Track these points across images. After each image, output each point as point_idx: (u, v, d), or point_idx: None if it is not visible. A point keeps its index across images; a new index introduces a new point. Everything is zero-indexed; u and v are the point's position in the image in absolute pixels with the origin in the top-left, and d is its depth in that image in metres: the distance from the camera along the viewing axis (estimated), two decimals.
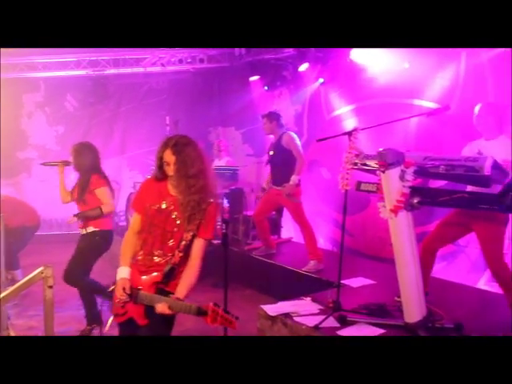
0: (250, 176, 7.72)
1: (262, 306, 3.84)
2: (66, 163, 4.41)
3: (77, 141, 4.45)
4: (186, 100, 8.77)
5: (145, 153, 8.79)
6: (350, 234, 6.05)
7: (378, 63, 5.75)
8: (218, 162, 7.06)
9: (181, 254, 2.54)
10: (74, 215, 4.16)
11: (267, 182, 5.67)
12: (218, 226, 3.08)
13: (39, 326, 4.05)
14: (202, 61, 7.93)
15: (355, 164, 3.36)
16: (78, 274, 4.14)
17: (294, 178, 5.15)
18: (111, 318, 2.66)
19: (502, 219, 3.43)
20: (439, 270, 4.67)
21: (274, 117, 5.46)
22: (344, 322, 3.45)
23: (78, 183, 4.25)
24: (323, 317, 3.46)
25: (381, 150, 3.06)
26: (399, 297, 3.37)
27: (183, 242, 2.54)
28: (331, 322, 3.45)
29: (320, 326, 3.37)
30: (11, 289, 2.64)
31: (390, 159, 3.00)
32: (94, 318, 4.21)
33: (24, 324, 4.42)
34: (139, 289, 2.52)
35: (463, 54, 4.87)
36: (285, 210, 6.11)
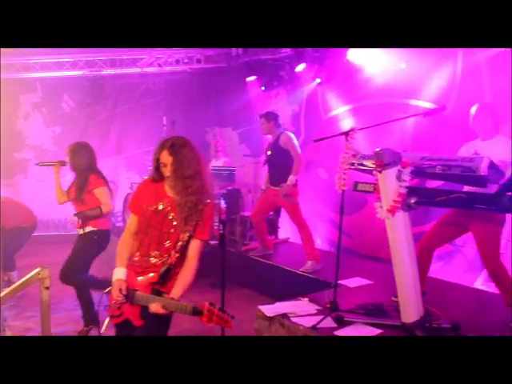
0: (247, 176, 7.72)
1: (260, 307, 3.84)
2: (62, 163, 4.41)
3: (73, 141, 4.44)
4: (183, 100, 8.77)
5: (142, 153, 8.79)
6: (347, 235, 6.06)
7: (375, 63, 5.75)
8: (215, 163, 7.06)
9: (177, 255, 2.54)
10: (75, 215, 4.15)
11: (266, 183, 5.67)
12: (215, 227, 3.08)
13: (36, 327, 4.04)
14: (198, 61, 7.93)
15: (352, 164, 3.36)
16: (74, 272, 4.13)
17: (291, 178, 5.15)
18: (107, 320, 2.66)
19: (498, 219, 3.43)
20: (436, 270, 4.67)
21: (271, 117, 5.46)
22: (341, 323, 3.45)
23: (76, 183, 4.24)
24: (321, 317, 3.46)
25: (378, 150, 3.06)
26: (396, 297, 3.37)
27: (179, 243, 2.54)
28: (329, 322, 3.45)
29: (317, 326, 3.37)
30: (7, 290, 2.64)
31: (386, 159, 3.01)
32: (91, 318, 4.20)
33: (21, 325, 4.41)
34: (135, 290, 2.52)
35: (460, 54, 4.88)
36: (282, 210, 6.11)
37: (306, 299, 4.02)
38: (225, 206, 6.29)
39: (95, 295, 4.17)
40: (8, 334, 3.82)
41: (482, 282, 4.61)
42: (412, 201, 3.05)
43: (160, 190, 2.62)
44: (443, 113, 3.99)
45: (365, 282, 4.64)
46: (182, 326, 4.00)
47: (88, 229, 4.20)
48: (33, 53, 7.47)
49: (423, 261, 3.65)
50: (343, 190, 3.37)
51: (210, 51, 7.75)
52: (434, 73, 5.11)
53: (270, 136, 5.61)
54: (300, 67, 6.66)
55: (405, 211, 3.08)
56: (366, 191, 3.42)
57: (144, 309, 2.47)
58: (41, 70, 8.01)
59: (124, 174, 8.94)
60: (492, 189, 2.82)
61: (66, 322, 4.51)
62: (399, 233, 3.11)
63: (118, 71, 8.18)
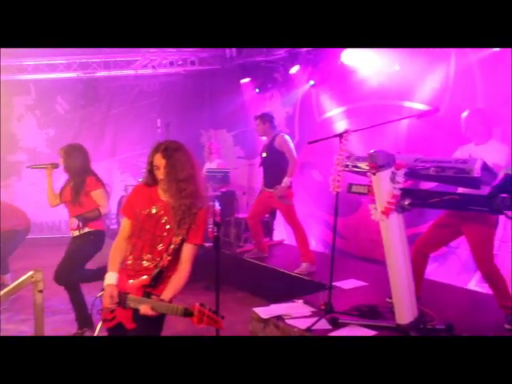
0: (241, 178, 7.72)
1: (255, 309, 3.84)
2: (54, 166, 4.39)
3: (66, 143, 4.43)
4: (178, 102, 8.76)
5: (136, 155, 8.77)
6: (342, 236, 6.07)
7: (369, 65, 5.77)
8: (209, 165, 7.05)
9: (169, 258, 2.54)
10: (75, 217, 4.14)
11: (263, 185, 5.67)
12: (210, 229, 3.08)
13: (30, 330, 4.02)
14: (193, 63, 7.91)
15: (346, 166, 3.37)
16: (69, 272, 4.12)
17: (285, 180, 5.16)
18: (100, 324, 2.65)
19: (491, 221, 3.45)
20: (430, 272, 4.68)
21: (267, 118, 5.47)
22: (336, 324, 3.45)
23: (72, 185, 4.22)
24: (315, 319, 3.47)
25: (372, 151, 3.07)
26: (391, 298, 3.38)
27: (172, 246, 2.54)
28: (323, 324, 3.45)
29: (312, 328, 3.37)
30: (1, 293, 2.62)
31: (380, 161, 3.02)
32: (84, 321, 4.19)
33: (15, 329, 4.38)
34: (127, 293, 2.51)
35: (452, 55, 4.91)
36: (277, 212, 6.11)
37: (300, 301, 4.02)
38: (219, 208, 6.27)
39: (89, 298, 4.16)
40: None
41: (475, 283, 4.63)
42: (406, 202, 3.06)
43: (154, 194, 2.62)
44: (437, 114, 4.00)
45: (359, 283, 4.65)
46: (176, 328, 3.99)
47: (85, 230, 4.19)
48: (26, 54, 7.44)
49: (418, 264, 3.66)
50: (337, 192, 3.38)
51: (204, 53, 7.74)
52: (428, 74, 5.13)
53: (265, 138, 5.61)
54: (294, 69, 6.66)
55: (399, 213, 3.09)
56: (360, 193, 3.44)
57: (136, 312, 2.46)
58: (34, 71, 7.96)
59: (118, 177, 8.91)
60: (486, 190, 2.83)
61: (60, 324, 4.48)
62: (393, 234, 3.12)
63: (112, 73, 8.16)
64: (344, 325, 3.46)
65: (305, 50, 6.33)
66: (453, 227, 3.62)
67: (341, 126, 6.12)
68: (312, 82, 6.59)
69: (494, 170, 2.93)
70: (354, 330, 3.37)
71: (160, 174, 2.54)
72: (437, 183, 3.85)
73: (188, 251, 2.58)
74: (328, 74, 6.37)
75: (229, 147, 8.47)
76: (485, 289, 4.11)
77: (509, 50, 4.14)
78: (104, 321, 2.62)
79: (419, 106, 5.21)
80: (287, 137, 5.36)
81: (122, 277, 2.58)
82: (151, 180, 2.61)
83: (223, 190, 6.77)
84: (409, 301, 3.18)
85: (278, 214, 6.15)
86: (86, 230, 4.19)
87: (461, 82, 4.85)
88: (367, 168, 3.15)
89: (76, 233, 4.18)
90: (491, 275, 3.48)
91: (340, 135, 3.43)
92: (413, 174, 3.07)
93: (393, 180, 3.02)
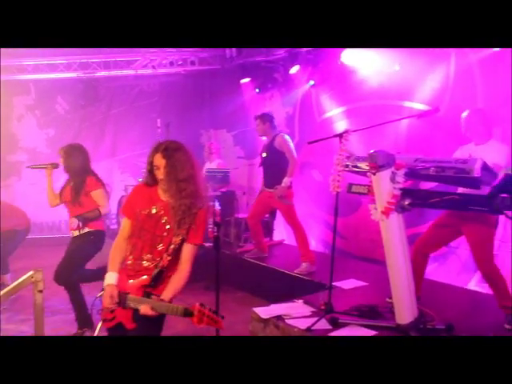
0: (241, 178, 7.72)
1: (255, 309, 3.84)
2: (54, 166, 4.38)
3: (66, 143, 4.43)
4: (178, 102, 8.76)
5: (136, 155, 8.77)
6: (342, 236, 6.07)
7: (369, 65, 5.77)
8: (209, 165, 7.05)
9: (169, 258, 2.54)
10: (75, 217, 4.13)
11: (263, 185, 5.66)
12: (210, 229, 3.08)
13: (30, 330, 4.02)
14: (193, 63, 7.91)
15: (346, 166, 3.37)
16: (70, 272, 4.11)
17: (285, 180, 5.16)
18: (100, 324, 2.65)
19: (491, 221, 3.45)
20: (430, 272, 4.68)
21: (267, 118, 5.46)
22: (336, 324, 3.45)
23: (72, 185, 4.21)
24: (315, 319, 3.47)
25: (371, 151, 3.07)
26: (391, 298, 3.38)
27: (172, 246, 2.54)
28: (323, 324, 3.45)
29: (312, 328, 3.37)
30: (1, 293, 2.62)
31: (380, 161, 3.02)
32: (84, 321, 4.19)
33: (15, 329, 4.38)
34: (127, 293, 2.51)
35: (452, 55, 4.91)
36: (277, 212, 6.11)
37: (300, 301, 4.02)
38: (219, 208, 6.27)
39: (89, 298, 4.16)
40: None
41: (475, 283, 4.63)
42: (406, 202, 3.06)
43: (154, 194, 2.62)
44: (437, 114, 4.00)
45: (359, 283, 4.65)
46: (177, 328, 3.99)
47: (85, 230, 4.19)
48: (26, 54, 7.44)
49: (418, 265, 3.65)
50: (337, 192, 3.38)
51: (204, 53, 7.73)
52: (428, 75, 5.13)
53: (265, 138, 5.61)
54: (294, 69, 6.66)
55: (399, 213, 3.09)
56: (360, 193, 3.44)
57: (136, 312, 2.46)
58: (34, 71, 7.96)
59: (118, 177, 8.91)
60: (485, 190, 2.83)
61: (60, 324, 4.48)
62: (393, 234, 3.12)
63: (112, 73, 8.16)
64: (344, 325, 3.46)
65: (305, 50, 6.33)
66: (453, 227, 3.62)
67: (341, 126, 6.12)
68: (312, 82, 6.59)
69: (494, 170, 2.93)
70: (354, 330, 3.37)
71: (160, 174, 2.54)
72: (437, 183, 3.85)
73: (188, 251, 2.58)
74: (328, 74, 6.37)
75: (229, 147, 8.47)
76: (485, 289, 4.10)
77: (508, 50, 4.14)
78: (104, 321, 2.63)
79: (419, 106, 5.21)
80: (287, 137, 5.36)
81: (122, 277, 2.58)
82: (151, 180, 2.62)
83: (223, 190, 6.76)
84: (409, 301, 3.18)
85: (278, 214, 6.15)
86: (86, 229, 4.19)
87: (461, 82, 4.85)
88: (367, 168, 3.15)
89: (76, 233, 4.18)
90: (491, 275, 3.48)
91: (340, 135, 3.43)
92: (413, 174, 3.07)
93: (393, 180, 3.02)
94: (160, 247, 2.57)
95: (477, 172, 2.72)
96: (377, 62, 5.62)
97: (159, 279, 2.55)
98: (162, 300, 2.45)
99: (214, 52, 7.66)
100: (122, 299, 2.50)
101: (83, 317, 4.18)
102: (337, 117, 6.38)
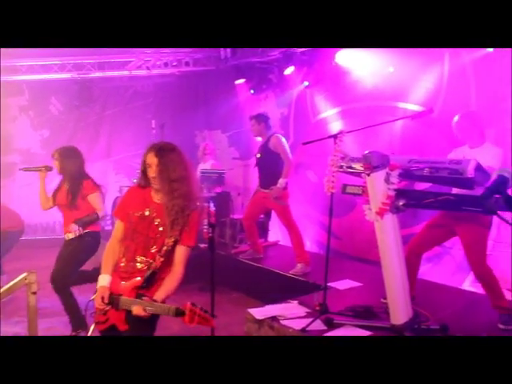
0: (236, 179, 7.72)
1: (249, 310, 3.84)
2: (48, 168, 4.35)
3: (62, 145, 4.40)
4: (172, 103, 8.75)
5: (131, 156, 8.76)
6: (337, 237, 6.07)
7: (363, 66, 5.78)
8: (203, 165, 7.04)
9: (162, 259, 2.54)
10: (74, 223, 4.11)
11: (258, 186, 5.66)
12: (205, 230, 3.08)
13: (24, 332, 4.00)
14: (187, 64, 7.90)
15: (341, 167, 3.38)
16: (67, 275, 4.08)
17: (281, 181, 5.16)
18: (93, 326, 2.65)
19: (485, 222, 3.46)
20: (425, 272, 4.70)
21: (262, 118, 5.46)
22: (331, 325, 3.45)
23: (68, 188, 4.17)
24: (310, 320, 3.47)
25: (366, 152, 3.08)
26: (385, 299, 3.39)
27: (164, 247, 2.54)
28: (318, 324, 3.45)
29: (307, 328, 3.37)
30: None
31: (375, 162, 3.03)
32: (78, 323, 4.15)
33: (8, 330, 4.35)
34: (120, 295, 2.51)
35: (446, 56, 4.92)
36: (273, 212, 6.11)
37: (295, 302, 4.02)
38: (214, 209, 6.27)
39: (81, 299, 4.14)
40: None
41: (470, 284, 4.65)
42: (400, 203, 3.07)
43: (147, 196, 2.63)
44: (431, 115, 4.02)
45: (354, 284, 4.66)
46: (172, 329, 3.99)
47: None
48: (19, 55, 7.39)
49: (412, 264, 3.66)
50: (332, 193, 3.38)
51: (199, 54, 7.72)
52: (422, 76, 5.15)
53: (260, 138, 5.61)
54: (289, 70, 6.67)
55: (393, 213, 3.10)
56: (354, 194, 3.44)
57: (129, 313, 2.46)
58: (28, 72, 7.93)
59: (113, 178, 8.88)
60: (479, 191, 2.84)
61: (54, 326, 4.47)
62: (388, 235, 3.13)
63: (107, 74, 8.13)
64: (339, 325, 3.46)
65: (299, 50, 6.34)
66: (446, 227, 3.64)
67: (335, 126, 6.12)
68: (306, 83, 6.59)
69: (487, 171, 2.95)
70: (349, 331, 3.38)
71: (152, 172, 2.53)
72: (431, 184, 3.86)
73: (181, 253, 2.57)
74: (322, 75, 6.38)
75: (224, 148, 8.47)
76: (479, 289, 4.11)
77: (502, 50, 4.16)
78: (97, 323, 2.62)
79: (413, 107, 5.22)
80: (282, 137, 5.36)
81: (115, 279, 2.58)
82: (145, 180, 2.62)
83: (218, 190, 6.76)
84: (403, 301, 3.19)
85: (273, 215, 6.16)
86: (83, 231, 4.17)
87: (454, 83, 4.87)
88: (362, 169, 3.15)
89: (71, 235, 4.15)
90: (484, 276, 3.49)
91: (334, 136, 3.44)
92: (407, 174, 3.08)
93: (387, 181, 3.03)
94: (153, 249, 2.57)
95: (470, 173, 2.74)
96: (371, 63, 5.64)
97: (152, 280, 2.55)
98: (155, 301, 2.45)
99: (209, 53, 7.65)
100: (114, 301, 2.50)
101: (77, 319, 4.16)
102: (331, 118, 6.39)
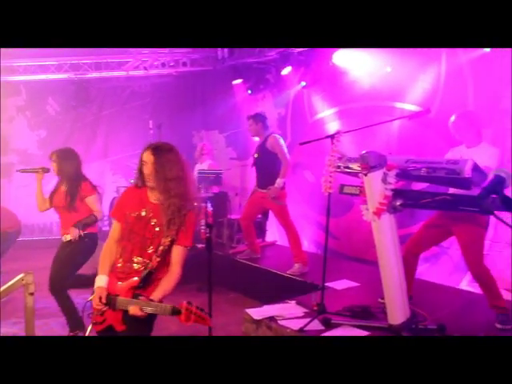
0: (234, 179, 7.72)
1: (247, 310, 3.84)
2: (46, 170, 4.33)
3: (59, 145, 4.40)
4: (170, 103, 8.74)
5: (128, 157, 8.72)
6: (334, 237, 6.07)
7: (360, 66, 5.79)
8: (200, 166, 7.04)
9: (158, 259, 2.54)
10: (74, 226, 4.09)
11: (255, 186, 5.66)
12: (202, 230, 3.08)
13: (21, 333, 3.99)
14: (184, 64, 7.89)
15: (338, 167, 3.38)
16: (65, 277, 4.06)
17: (279, 181, 5.16)
18: (90, 327, 2.65)
19: (482, 222, 3.47)
20: (422, 272, 4.71)
21: (259, 118, 5.46)
22: (328, 325, 3.46)
23: (67, 190, 4.14)
24: (308, 320, 3.47)
25: (363, 152, 3.08)
26: (383, 299, 3.39)
27: (161, 247, 2.54)
28: (316, 324, 3.45)
29: (305, 329, 3.38)
30: None
31: (372, 162, 3.03)
32: (76, 323, 4.14)
33: (6, 332, 4.34)
34: (117, 295, 2.51)
35: (443, 56, 4.93)
36: (270, 212, 6.11)
37: (293, 302, 4.02)
38: (211, 209, 6.26)
39: (77, 300, 4.13)
40: None
41: (467, 283, 4.65)
42: (398, 203, 3.08)
43: (143, 196, 2.63)
44: (428, 115, 4.02)
45: (352, 284, 4.67)
46: (170, 330, 3.98)
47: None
48: (17, 55, 7.38)
49: (409, 264, 3.67)
50: (329, 193, 3.39)
51: (196, 54, 7.72)
52: (419, 75, 5.15)
53: (257, 138, 5.61)
54: (286, 70, 6.67)
55: (391, 213, 3.10)
56: (351, 194, 3.45)
57: (126, 314, 2.46)
58: (25, 73, 7.91)
59: (110, 178, 8.87)
60: (476, 191, 2.85)
61: (52, 327, 4.46)
62: (385, 235, 3.13)
63: (104, 74, 8.12)
64: (337, 325, 3.47)
65: (296, 51, 6.34)
66: (444, 227, 3.64)
67: (333, 127, 6.13)
68: (304, 83, 6.59)
69: (484, 171, 2.95)
70: (347, 331, 3.38)
71: (147, 169, 2.54)
72: (428, 184, 3.86)
73: (178, 253, 2.57)
74: (320, 75, 6.38)
75: (221, 148, 8.46)
76: (476, 289, 4.12)
77: (499, 50, 4.16)
78: (94, 324, 2.62)
79: (410, 107, 5.23)
80: (279, 137, 5.36)
81: (112, 279, 2.58)
82: (141, 180, 2.62)
83: (216, 191, 6.76)
84: (401, 301, 3.19)
85: (271, 215, 6.15)
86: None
87: (452, 83, 4.88)
88: (359, 169, 3.16)
89: (69, 237, 4.13)
90: (481, 275, 3.50)
91: (332, 136, 3.44)
92: (404, 174, 3.08)
93: (384, 181, 3.03)
94: (150, 250, 2.57)
95: (467, 173, 2.74)
96: (368, 63, 5.64)
97: (148, 280, 2.55)
98: (152, 300, 2.44)
99: (206, 53, 7.64)
100: (111, 301, 2.49)
101: (74, 320, 4.14)
102: (329, 118, 6.39)
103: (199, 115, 8.86)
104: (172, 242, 2.55)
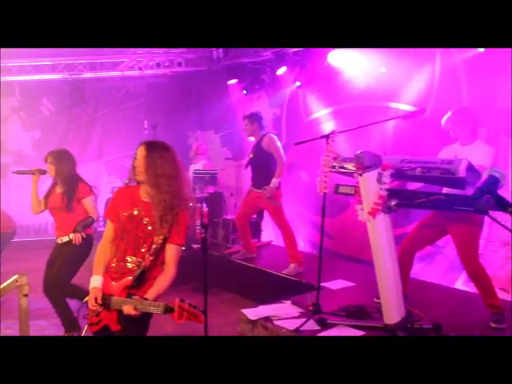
0: (229, 179, 7.71)
1: (243, 310, 3.84)
2: (42, 172, 4.30)
3: (54, 146, 4.39)
4: (165, 104, 8.74)
5: (123, 157, 8.72)
6: (330, 237, 6.08)
7: (355, 67, 5.80)
8: (195, 166, 7.03)
9: (151, 258, 2.53)
10: (75, 229, 4.06)
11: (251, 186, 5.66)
12: (198, 231, 3.08)
13: (15, 334, 3.97)
14: (179, 64, 7.88)
15: (333, 167, 3.39)
16: (62, 279, 4.04)
17: (274, 181, 5.16)
18: (86, 327, 2.64)
19: (476, 221, 3.47)
20: (418, 271, 4.72)
21: (255, 118, 5.46)
22: (324, 325, 3.46)
23: (64, 192, 4.12)
24: (303, 320, 3.47)
25: (358, 152, 3.09)
26: (378, 298, 3.40)
27: (153, 246, 2.53)
28: (311, 324, 3.46)
29: (300, 329, 3.38)
30: None
31: (367, 162, 3.03)
32: (71, 325, 4.12)
33: (4, 333, 4.32)
34: (112, 295, 2.50)
35: (437, 56, 4.94)
36: (265, 212, 6.11)
37: (288, 302, 4.02)
38: (206, 209, 6.26)
39: (72, 301, 4.12)
40: None
41: (462, 283, 4.67)
42: (392, 203, 3.08)
43: (135, 196, 2.62)
44: (423, 115, 4.03)
45: (347, 284, 4.67)
46: (166, 330, 3.97)
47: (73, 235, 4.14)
48: (10, 56, 7.34)
49: (405, 264, 3.67)
50: (325, 193, 3.39)
51: (191, 54, 7.71)
52: (413, 76, 5.17)
53: (253, 138, 5.60)
54: (281, 70, 6.67)
55: (386, 213, 3.11)
56: (347, 194, 3.45)
57: (121, 314, 2.46)
58: (19, 73, 7.88)
59: (105, 179, 8.86)
60: (471, 191, 2.86)
61: (47, 328, 4.44)
62: (380, 235, 3.14)
63: (99, 75, 8.09)
64: (332, 325, 3.47)
65: (291, 51, 6.34)
66: (438, 227, 3.65)
67: (328, 127, 6.13)
68: (299, 83, 6.60)
69: (479, 171, 2.96)
70: (343, 331, 3.38)
71: (137, 162, 2.54)
72: (423, 184, 3.87)
73: (171, 252, 2.57)
74: (315, 75, 6.38)
75: (216, 148, 8.46)
76: (471, 288, 4.13)
77: (493, 50, 4.18)
78: (90, 325, 2.61)
79: (405, 107, 5.24)
80: (275, 137, 5.36)
81: (107, 279, 2.57)
82: (133, 174, 2.61)
83: (211, 191, 6.75)
84: (396, 301, 3.20)
85: (266, 215, 6.15)
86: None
87: (446, 83, 4.89)
88: (354, 169, 3.16)
89: (65, 238, 4.12)
90: (476, 274, 3.51)
91: (327, 136, 3.45)
92: (399, 174, 3.09)
93: (379, 181, 3.04)
94: (143, 249, 2.56)
95: (462, 172, 2.75)
96: (363, 63, 5.65)
97: (142, 280, 2.54)
98: (146, 299, 2.44)
99: (201, 53, 7.63)
100: (106, 302, 2.49)
101: (69, 321, 4.12)
102: (324, 118, 6.40)
103: (194, 115, 8.86)
104: (165, 241, 2.54)
